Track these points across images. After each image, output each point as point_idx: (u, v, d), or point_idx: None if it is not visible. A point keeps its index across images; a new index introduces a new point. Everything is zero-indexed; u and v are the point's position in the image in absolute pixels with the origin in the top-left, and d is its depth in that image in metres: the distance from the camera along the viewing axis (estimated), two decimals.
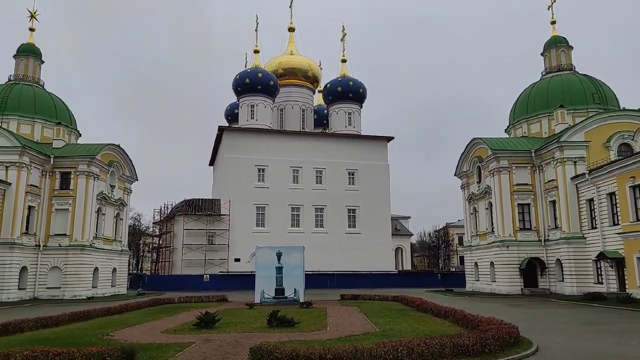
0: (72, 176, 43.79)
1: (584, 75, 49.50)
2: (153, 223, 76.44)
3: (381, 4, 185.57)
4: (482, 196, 47.52)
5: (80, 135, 51.99)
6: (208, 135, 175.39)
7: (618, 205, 34.77)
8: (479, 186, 48.59)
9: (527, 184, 43.84)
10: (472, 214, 50.83)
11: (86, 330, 17.91)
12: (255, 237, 60.28)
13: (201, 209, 65.24)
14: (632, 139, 39.55)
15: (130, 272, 70.36)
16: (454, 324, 18.34)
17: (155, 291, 52.00)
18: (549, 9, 52.90)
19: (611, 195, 36.04)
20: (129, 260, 65.81)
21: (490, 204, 45.77)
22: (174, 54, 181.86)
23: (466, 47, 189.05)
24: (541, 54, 53.04)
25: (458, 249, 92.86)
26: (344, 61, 78.40)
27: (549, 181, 42.36)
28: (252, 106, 71.75)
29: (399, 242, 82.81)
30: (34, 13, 50.96)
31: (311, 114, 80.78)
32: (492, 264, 44.81)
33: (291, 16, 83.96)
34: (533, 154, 43.56)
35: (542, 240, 42.36)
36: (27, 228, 40.75)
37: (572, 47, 51.95)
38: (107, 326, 19.06)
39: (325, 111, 79.69)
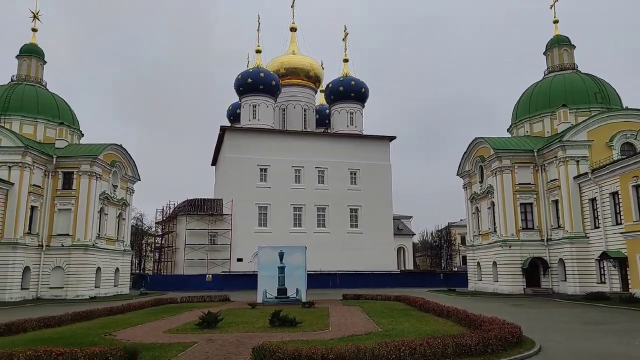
0: (75, 176, 43.89)
1: (587, 74, 49.38)
2: (155, 223, 76.65)
3: (383, 3, 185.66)
4: (485, 196, 47.46)
5: (82, 135, 52.12)
6: (210, 135, 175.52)
7: (621, 204, 34.68)
8: (481, 186, 48.53)
9: (529, 184, 43.76)
10: (474, 213, 50.77)
11: (89, 330, 17.94)
12: (257, 237, 60.35)
13: (203, 209, 65.32)
14: (635, 138, 39.44)
15: (133, 272, 70.47)
16: (457, 324, 18.31)
17: (158, 291, 52.11)
18: (551, 8, 52.84)
19: (614, 194, 35.95)
20: (132, 260, 65.94)
21: (493, 204, 45.70)
22: (176, 54, 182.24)
23: (467, 46, 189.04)
24: (543, 53, 52.95)
25: (460, 248, 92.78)
26: (345, 61, 78.41)
27: (551, 181, 42.28)
28: (254, 106, 71.80)
29: (401, 242, 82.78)
30: (37, 14, 51.07)
31: (313, 113, 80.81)
32: (494, 263, 44.75)
33: (293, 16, 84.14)
34: (535, 154, 43.48)
35: (545, 239, 42.29)
36: (29, 228, 40.87)
37: (575, 47, 51.84)
38: (110, 326, 19.09)
39: (327, 111, 79.72)
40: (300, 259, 30.68)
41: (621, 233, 34.21)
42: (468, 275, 52.41)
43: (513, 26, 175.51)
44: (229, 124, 79.65)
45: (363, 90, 76.10)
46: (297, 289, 30.00)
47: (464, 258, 70.82)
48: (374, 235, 67.78)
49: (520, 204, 43.49)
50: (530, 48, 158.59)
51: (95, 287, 43.87)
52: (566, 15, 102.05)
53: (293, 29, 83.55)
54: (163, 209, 70.35)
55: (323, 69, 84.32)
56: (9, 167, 39.77)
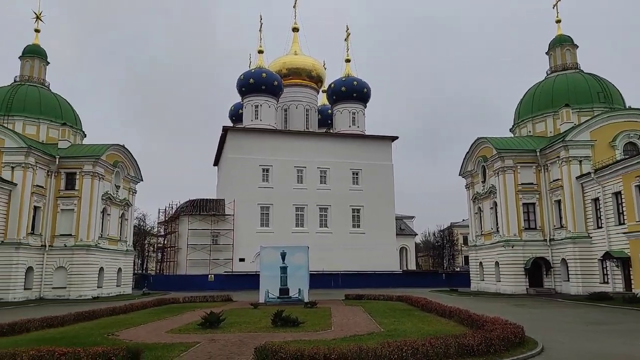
0: (78, 176, 43.99)
1: (590, 74, 49.27)
2: (158, 223, 76.72)
3: (384, 4, 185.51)
4: (487, 196, 47.39)
5: (85, 135, 52.26)
6: (212, 136, 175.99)
7: (624, 204, 34.60)
8: (483, 186, 48.46)
9: (532, 184, 43.68)
10: (476, 213, 50.71)
11: (92, 330, 17.98)
12: (259, 237, 60.37)
13: (206, 209, 65.40)
14: (638, 138, 39.38)
15: (135, 272, 70.56)
16: (459, 324, 18.29)
17: (160, 291, 52.17)
18: (553, 7, 52.81)
19: (617, 194, 35.86)
20: (134, 260, 66.02)
21: (495, 204, 45.63)
22: (178, 54, 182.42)
23: (468, 46, 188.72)
24: (546, 53, 52.85)
25: (463, 248, 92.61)
26: (348, 61, 78.42)
27: (554, 180, 42.20)
28: (256, 106, 71.85)
29: (404, 242, 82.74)
30: (39, 14, 51.22)
31: (315, 114, 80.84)
32: (497, 263, 44.68)
33: (295, 16, 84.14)
34: (538, 154, 43.40)
35: (548, 239, 42.21)
36: (32, 228, 40.98)
37: (577, 46, 51.73)
38: (113, 326, 19.13)
39: (330, 111, 79.74)
40: (302, 259, 30.67)
41: (624, 233, 34.12)
42: (470, 275, 52.34)
43: (514, 26, 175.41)
44: (231, 124, 79.76)
45: (365, 90, 76.09)
46: (299, 289, 29.99)
47: (466, 258, 70.71)
48: (376, 236, 67.76)
49: (523, 204, 43.41)
50: (534, 48, 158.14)
51: (98, 287, 43.96)
52: (567, 15, 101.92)
53: (295, 29, 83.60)
54: (165, 209, 70.57)
55: (325, 69, 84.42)
56: (12, 167, 39.90)
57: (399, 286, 56.96)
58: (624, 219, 34.72)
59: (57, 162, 43.40)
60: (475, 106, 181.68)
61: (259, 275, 31.84)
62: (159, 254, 78.20)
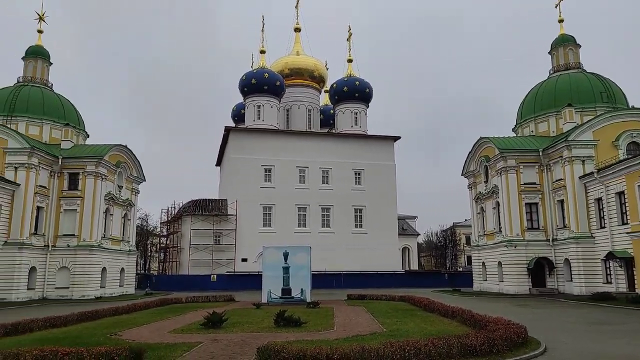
0: (80, 177, 44.09)
1: (592, 73, 49.14)
2: (160, 223, 76.88)
3: (387, 4, 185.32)
4: (490, 196, 47.31)
5: (88, 136, 52.36)
6: (215, 136, 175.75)
7: (627, 204, 34.50)
8: (486, 186, 48.38)
9: (534, 184, 43.60)
10: (479, 213, 50.62)
11: (95, 330, 18.01)
12: (262, 237, 60.39)
13: (208, 209, 65.48)
14: None
15: (138, 272, 70.71)
16: (462, 324, 18.27)
17: (163, 291, 52.24)
18: (556, 7, 52.67)
19: (620, 194, 35.75)
20: (137, 261, 66.19)
21: (498, 204, 45.55)
22: (180, 55, 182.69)
23: (470, 46, 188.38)
24: (549, 53, 52.74)
25: (465, 248, 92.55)
26: (350, 61, 78.38)
27: (557, 180, 42.10)
28: (259, 106, 71.91)
29: (406, 242, 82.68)
30: (42, 15, 51.34)
31: (317, 114, 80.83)
32: (499, 263, 44.60)
33: (297, 16, 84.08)
34: (541, 153, 43.31)
35: (550, 239, 42.11)
36: (35, 228, 41.09)
37: (580, 46, 51.59)
38: (115, 326, 19.16)
39: (332, 111, 79.70)
40: (304, 259, 30.68)
41: (627, 233, 34.04)
42: (473, 275, 52.24)
43: (516, 26, 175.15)
44: (233, 125, 79.82)
45: (367, 90, 76.06)
46: (301, 289, 30.00)
47: (469, 258, 70.72)
48: (379, 236, 67.71)
49: (526, 203, 43.33)
50: (536, 48, 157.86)
51: (101, 287, 44.05)
52: (569, 14, 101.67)
53: (297, 30, 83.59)
54: (168, 210, 70.70)
55: (327, 69, 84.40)
56: (15, 168, 40.01)
57: (402, 286, 56.90)
58: (627, 219, 34.63)
59: (60, 163, 43.50)
60: (478, 106, 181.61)
61: (261, 275, 31.87)
62: (162, 254, 78.32)
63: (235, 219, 64.12)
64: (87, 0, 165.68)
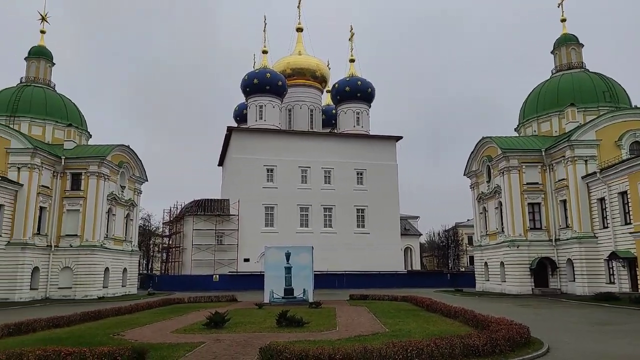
0: (83, 177, 44.18)
1: (595, 73, 49.01)
2: (163, 223, 76.99)
3: (389, 3, 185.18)
4: (492, 195, 47.24)
5: (90, 136, 52.47)
6: (217, 136, 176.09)
7: (630, 204, 34.41)
8: (488, 185, 48.31)
9: (537, 183, 43.52)
10: (481, 213, 50.56)
11: (97, 330, 18.05)
12: (264, 237, 60.43)
13: (210, 210, 65.56)
14: None
15: (141, 272, 70.80)
16: (464, 324, 18.25)
17: (165, 291, 52.34)
18: (558, 6, 52.54)
19: (623, 194, 35.67)
20: (139, 261, 66.25)
21: (500, 204, 45.48)
22: (180, 55, 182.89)
23: (471, 46, 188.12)
24: (551, 52, 52.64)
25: (468, 248, 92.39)
26: (352, 61, 78.39)
27: (559, 180, 42.02)
28: (261, 106, 71.95)
29: (408, 242, 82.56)
30: (45, 15, 51.47)
31: (319, 114, 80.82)
32: (502, 263, 44.53)
33: (299, 16, 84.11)
34: (543, 153, 43.22)
35: (553, 239, 42.03)
36: (38, 229, 41.19)
37: (583, 45, 51.47)
38: (118, 326, 19.20)
39: (334, 111, 79.70)
40: (307, 259, 30.69)
41: (630, 233, 33.93)
42: (475, 275, 52.19)
43: (517, 26, 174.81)
44: (235, 125, 79.87)
45: (369, 90, 76.02)
46: (303, 289, 30.01)
47: (472, 258, 70.60)
48: (381, 236, 67.68)
49: (528, 203, 43.25)
50: (537, 47, 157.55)
51: (104, 287, 44.12)
52: (571, 14, 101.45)
53: (299, 30, 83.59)
54: (170, 210, 70.69)
55: (329, 69, 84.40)
56: (18, 168, 40.12)
57: (404, 286, 56.88)
58: (630, 219, 34.53)
59: (62, 163, 43.60)
60: (478, 106, 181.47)
61: (263, 275, 31.91)
62: (164, 254, 78.44)
63: (238, 219, 64.17)
64: (87, 0, 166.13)
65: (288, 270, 30.17)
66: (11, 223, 38.96)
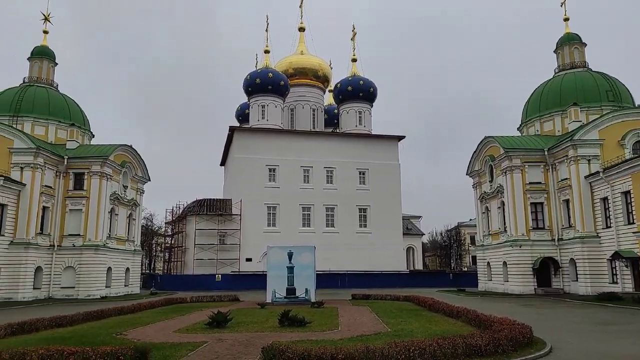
0: (86, 177, 44.27)
1: (598, 72, 48.89)
2: (165, 223, 77.08)
3: (391, 3, 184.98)
4: (494, 195, 47.16)
5: (93, 136, 52.60)
6: (219, 136, 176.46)
7: (633, 203, 34.33)
8: (491, 185, 48.23)
9: (540, 183, 43.42)
10: (484, 213, 50.47)
11: (100, 329, 18.08)
12: (266, 236, 60.49)
13: (213, 209, 65.62)
14: None
15: (143, 271, 70.90)
16: (467, 324, 18.21)
17: (168, 291, 52.40)
18: (561, 5, 52.46)
19: (626, 193, 35.56)
20: (142, 260, 66.35)
21: (503, 203, 45.39)
22: (184, 55, 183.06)
23: (471, 46, 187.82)
24: (554, 51, 52.52)
25: (470, 248, 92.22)
26: (354, 60, 78.38)
27: (562, 180, 41.92)
28: (263, 106, 71.98)
29: (410, 242, 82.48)
30: (48, 16, 51.59)
31: (322, 113, 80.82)
32: (504, 263, 44.45)
33: (301, 16, 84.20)
34: (546, 153, 43.12)
35: (556, 239, 41.94)
36: (41, 228, 41.28)
37: (586, 44, 51.32)
38: (121, 325, 19.23)
39: (336, 111, 79.71)
40: (309, 259, 30.68)
41: (633, 233, 33.87)
42: (478, 275, 52.11)
43: (517, 25, 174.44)
44: (237, 124, 79.92)
45: (372, 89, 75.97)
46: (306, 289, 29.98)
47: (474, 258, 70.43)
48: (383, 235, 67.64)
49: (531, 203, 43.16)
50: (537, 47, 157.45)
51: (106, 286, 44.21)
52: (573, 14, 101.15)
53: (301, 29, 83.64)
54: (173, 209, 70.82)
55: (331, 68, 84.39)
56: (21, 168, 40.21)
57: (406, 286, 56.83)
58: (633, 219, 34.44)
59: (65, 163, 43.69)
60: (478, 106, 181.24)
61: (265, 275, 31.89)
62: (167, 254, 78.54)
63: (240, 219, 64.22)
64: (87, 1, 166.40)
65: (290, 270, 30.16)
66: (14, 223, 39.06)
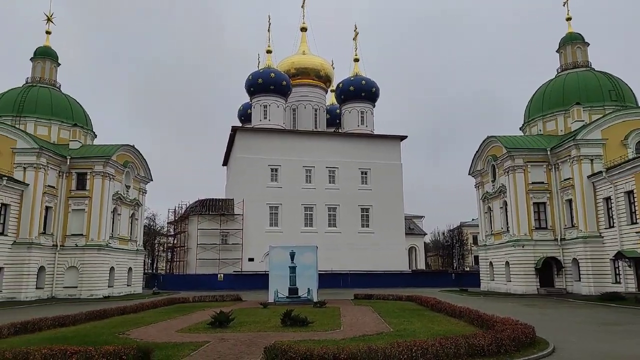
0: (88, 177, 44.36)
1: (601, 72, 48.75)
2: (168, 223, 77.18)
3: (387, 3, 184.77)
4: (497, 195, 47.07)
5: (96, 136, 52.69)
6: (221, 136, 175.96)
7: (636, 203, 34.23)
8: (493, 185, 48.14)
9: (542, 183, 43.33)
10: (486, 213, 50.38)
11: (103, 329, 18.11)
12: (268, 236, 60.54)
13: (215, 209, 65.70)
14: None
15: (146, 271, 71.06)
16: (469, 324, 18.19)
17: (170, 290, 52.46)
18: (564, 5, 52.32)
19: (629, 193, 35.45)
20: (144, 260, 66.45)
21: (505, 203, 45.31)
22: (187, 55, 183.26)
23: (471, 46, 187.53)
24: (556, 51, 52.40)
25: (472, 248, 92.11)
26: (356, 60, 78.37)
27: (565, 179, 41.82)
28: (265, 106, 72.02)
29: (413, 242, 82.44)
30: (50, 16, 51.71)
31: (324, 113, 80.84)
32: (507, 263, 44.37)
33: (303, 16, 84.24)
34: (549, 152, 43.03)
35: (559, 239, 41.83)
36: (44, 228, 41.38)
37: (588, 44, 51.18)
38: (123, 325, 19.26)
39: (338, 111, 79.70)
40: (311, 259, 30.69)
41: (636, 232, 33.76)
42: (480, 275, 52.01)
43: (517, 25, 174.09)
44: (240, 124, 79.98)
45: (374, 89, 75.94)
46: (308, 289, 29.98)
47: (476, 258, 70.40)
48: (385, 235, 67.62)
49: (534, 203, 43.07)
50: (538, 47, 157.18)
51: (109, 286, 44.31)
52: (575, 13, 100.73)
53: (303, 29, 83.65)
54: (175, 209, 70.96)
55: (333, 68, 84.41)
56: (24, 168, 40.31)
57: (408, 286, 56.80)
58: (636, 218, 34.36)
59: (68, 163, 43.79)
60: (480, 106, 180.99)
61: (268, 274, 31.90)
62: (169, 254, 78.68)
63: (242, 219, 64.27)
64: (87, 1, 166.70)
65: (292, 269, 30.15)
66: (17, 223, 39.17)
